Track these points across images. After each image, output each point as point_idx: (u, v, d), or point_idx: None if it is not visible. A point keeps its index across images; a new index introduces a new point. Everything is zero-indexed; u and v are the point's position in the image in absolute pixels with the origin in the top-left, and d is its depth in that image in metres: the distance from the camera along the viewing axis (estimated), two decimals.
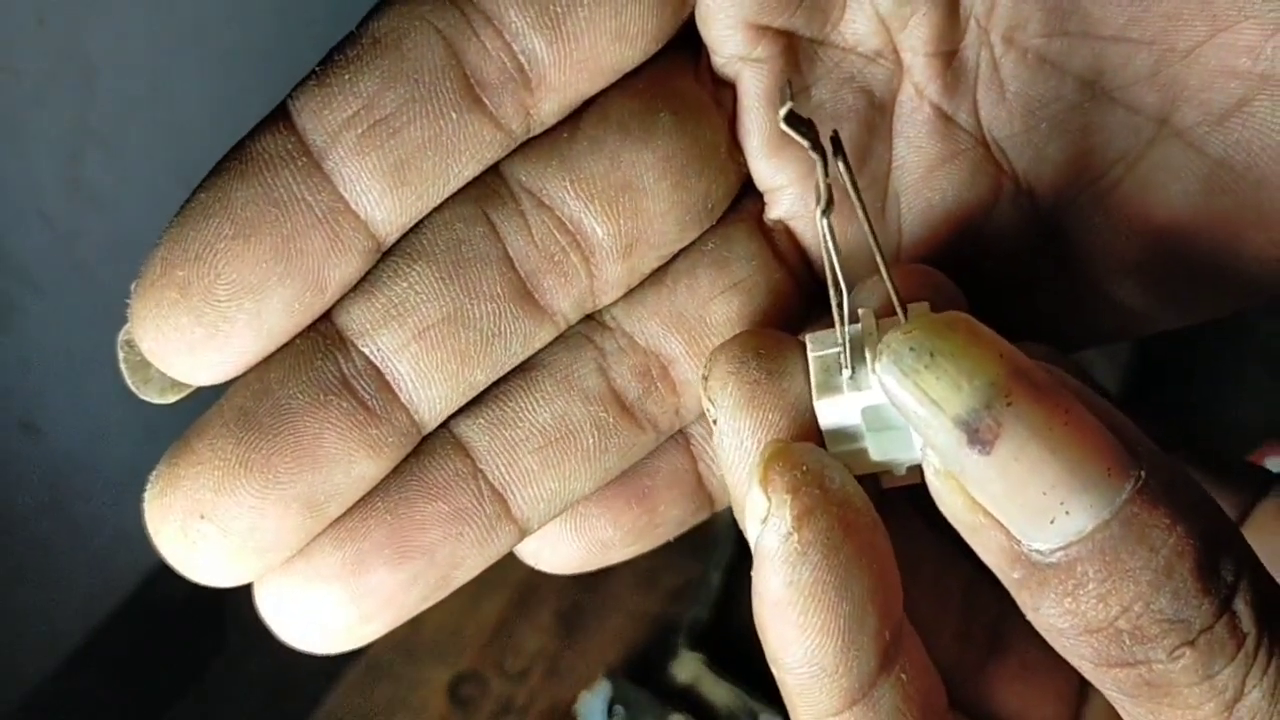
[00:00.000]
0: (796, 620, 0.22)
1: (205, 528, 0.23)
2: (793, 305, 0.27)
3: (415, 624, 0.82)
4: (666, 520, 0.27)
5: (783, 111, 0.21)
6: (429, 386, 0.24)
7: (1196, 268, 0.26)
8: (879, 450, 0.24)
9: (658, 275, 0.26)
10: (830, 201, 0.21)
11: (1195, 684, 0.20)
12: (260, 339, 0.23)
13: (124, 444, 0.78)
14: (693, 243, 0.26)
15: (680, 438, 0.27)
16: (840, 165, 0.22)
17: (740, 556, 0.74)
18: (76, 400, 0.76)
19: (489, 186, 0.24)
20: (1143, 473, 0.20)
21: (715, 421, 0.24)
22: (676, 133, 0.25)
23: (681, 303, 0.26)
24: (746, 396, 0.24)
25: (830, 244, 0.22)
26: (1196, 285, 0.27)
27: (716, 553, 0.75)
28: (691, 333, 0.26)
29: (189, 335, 0.22)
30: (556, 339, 0.26)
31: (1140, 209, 0.26)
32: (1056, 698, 0.28)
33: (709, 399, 0.24)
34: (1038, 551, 0.20)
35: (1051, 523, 0.20)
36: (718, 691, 0.70)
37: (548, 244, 0.25)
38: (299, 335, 0.24)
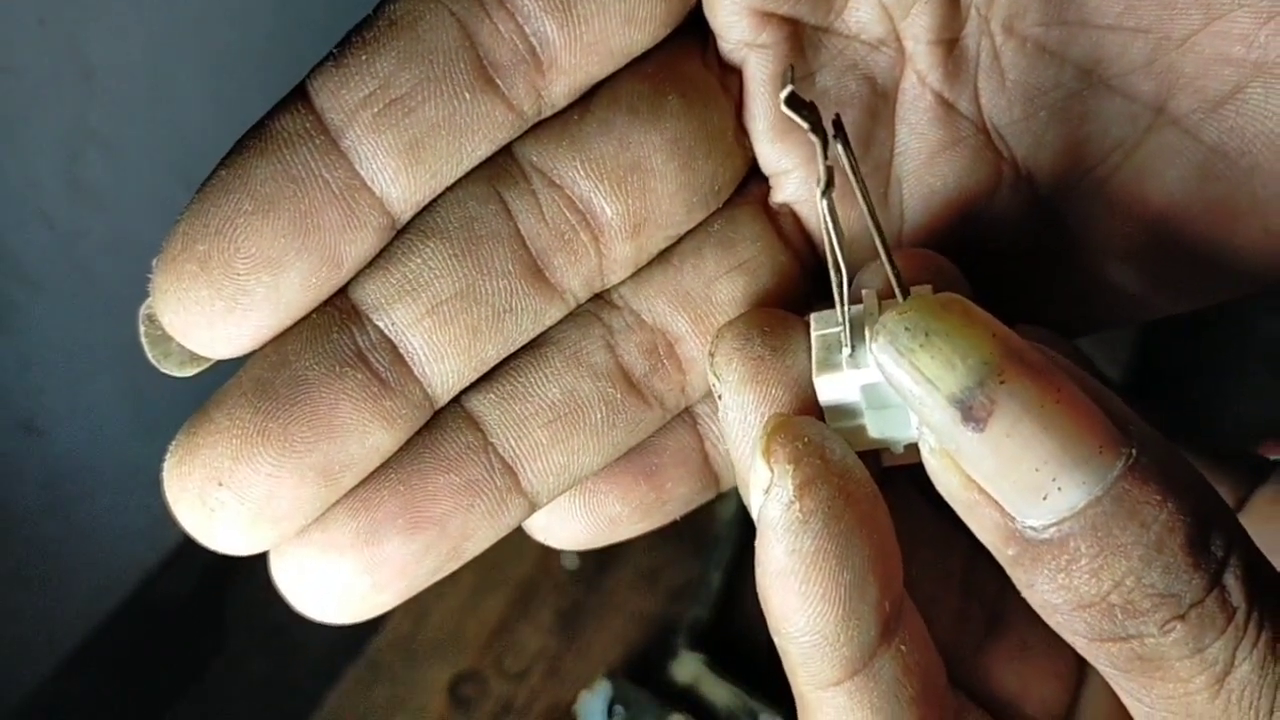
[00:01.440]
0: (798, 589, 0.22)
1: (223, 495, 0.23)
2: (797, 286, 0.27)
3: (415, 624, 0.81)
4: (673, 498, 0.28)
5: (783, 95, 0.21)
6: (442, 360, 0.24)
7: (1192, 253, 0.26)
8: (877, 428, 0.24)
9: (665, 255, 0.27)
10: (830, 183, 0.22)
11: (1186, 657, 0.20)
12: (278, 312, 0.23)
13: (124, 444, 0.78)
14: (699, 224, 0.27)
15: (687, 417, 0.28)
16: (840, 148, 0.22)
17: (740, 556, 0.74)
18: (76, 400, 0.76)
19: (501, 166, 0.25)
20: (1134, 450, 0.20)
21: (720, 397, 0.25)
22: (684, 116, 0.25)
23: (688, 282, 0.26)
24: (750, 372, 0.24)
25: (830, 225, 0.22)
26: (1193, 271, 0.27)
27: (716, 553, 0.75)
28: (697, 311, 0.26)
29: (209, 308, 0.23)
30: (566, 317, 0.26)
31: (1137, 195, 0.26)
32: (1055, 677, 0.28)
33: (714, 374, 0.25)
34: (1031, 528, 0.20)
35: (1044, 499, 0.20)
36: (718, 691, 0.70)
37: (558, 223, 0.25)
38: (315, 309, 0.24)
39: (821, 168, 0.22)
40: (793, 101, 0.21)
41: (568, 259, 0.25)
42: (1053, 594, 0.21)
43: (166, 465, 0.23)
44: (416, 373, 0.24)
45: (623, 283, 0.26)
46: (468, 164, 0.24)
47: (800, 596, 0.22)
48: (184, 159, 0.74)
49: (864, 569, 0.22)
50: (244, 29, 0.78)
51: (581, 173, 0.25)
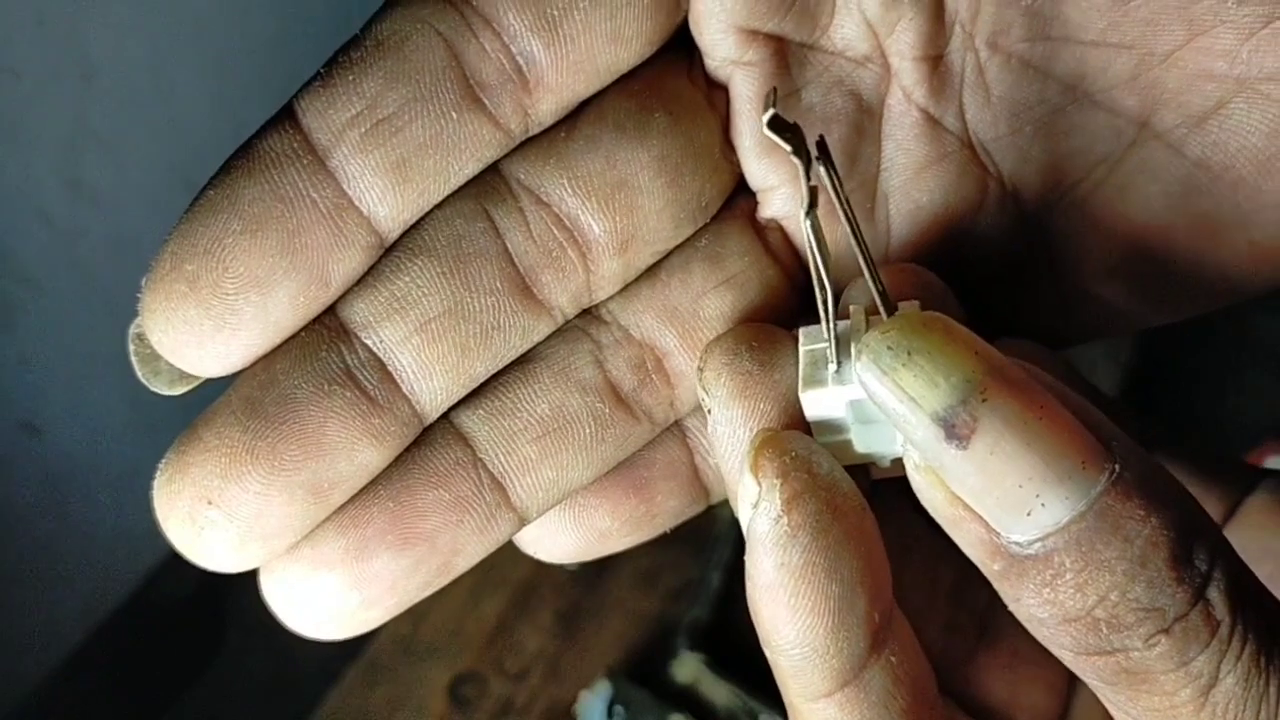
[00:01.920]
0: (787, 602, 0.22)
1: (212, 514, 0.23)
2: (785, 300, 0.27)
3: (415, 624, 0.82)
4: (663, 511, 0.28)
5: (765, 118, 0.21)
6: (430, 378, 0.24)
7: (1178, 266, 0.27)
8: (863, 443, 0.24)
9: (653, 271, 0.27)
10: (813, 205, 0.22)
11: (1171, 671, 0.20)
12: (266, 331, 0.23)
13: (124, 444, 0.78)
14: (687, 239, 0.27)
15: (677, 430, 0.28)
16: (823, 170, 0.22)
17: (740, 557, 0.74)
18: (76, 400, 0.76)
19: (489, 184, 0.25)
20: (1117, 465, 0.20)
21: (710, 411, 0.25)
22: (671, 133, 0.25)
23: (676, 297, 0.26)
24: (739, 387, 0.24)
25: (814, 246, 0.22)
26: (1179, 284, 0.27)
27: (716, 553, 0.75)
28: (685, 326, 0.26)
29: (197, 328, 0.23)
30: (554, 333, 0.26)
31: (1122, 210, 0.26)
32: (1046, 688, 0.29)
33: (704, 389, 0.25)
34: (1016, 543, 0.20)
35: (1028, 515, 0.20)
36: (718, 691, 0.70)
37: (546, 240, 0.25)
38: (304, 328, 0.24)
39: (804, 190, 0.22)
40: (775, 124, 0.21)
41: (555, 276, 0.25)
42: (1038, 608, 0.21)
43: (156, 484, 0.24)
44: (405, 390, 0.24)
45: (611, 298, 0.27)
46: (455, 182, 0.24)
47: (789, 609, 0.22)
48: (184, 159, 0.74)
49: (852, 581, 0.22)
50: (244, 29, 0.78)
51: (569, 190, 0.25)
